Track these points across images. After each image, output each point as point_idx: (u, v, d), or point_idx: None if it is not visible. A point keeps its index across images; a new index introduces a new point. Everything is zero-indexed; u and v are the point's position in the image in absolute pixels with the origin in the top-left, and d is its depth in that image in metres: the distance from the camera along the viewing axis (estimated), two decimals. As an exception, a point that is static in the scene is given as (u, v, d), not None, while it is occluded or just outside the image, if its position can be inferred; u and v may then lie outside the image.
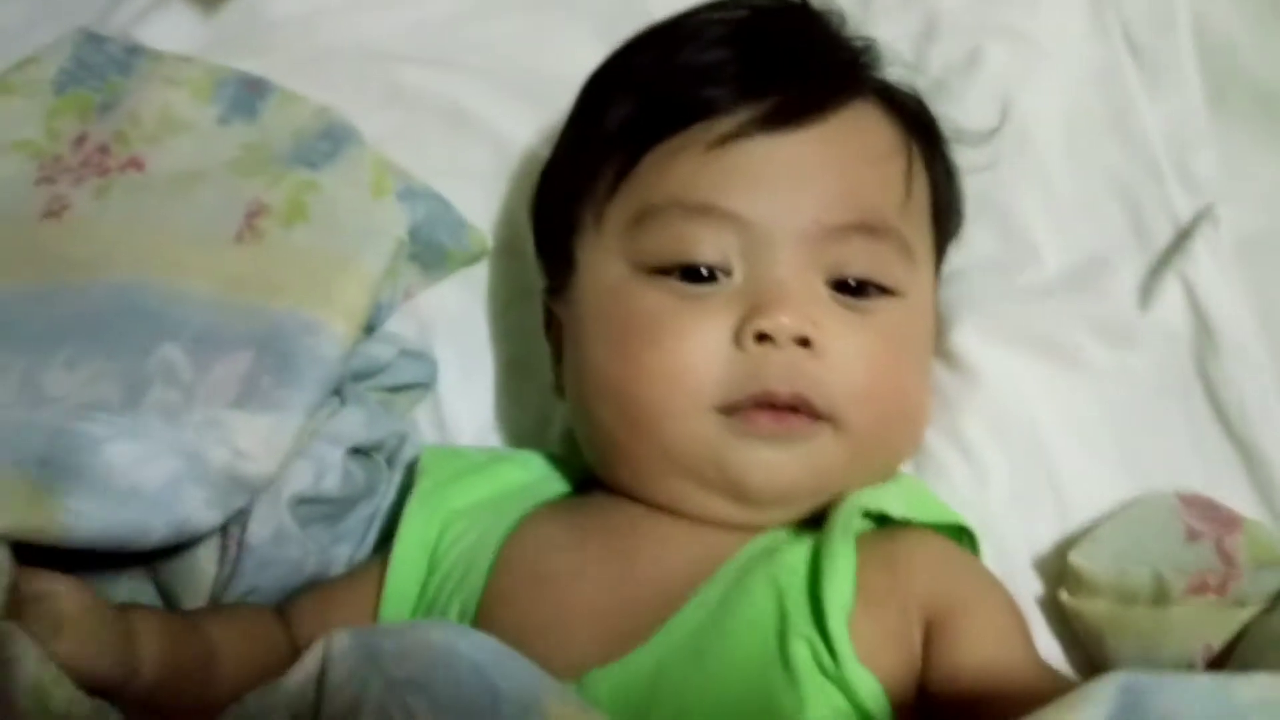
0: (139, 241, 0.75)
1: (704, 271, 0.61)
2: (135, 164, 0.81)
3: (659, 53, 0.68)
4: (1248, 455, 0.64)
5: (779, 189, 0.61)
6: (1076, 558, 0.61)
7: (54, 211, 0.79)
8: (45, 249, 0.76)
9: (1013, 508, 0.65)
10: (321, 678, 0.49)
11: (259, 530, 0.64)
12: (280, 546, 0.64)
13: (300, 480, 0.65)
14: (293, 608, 0.63)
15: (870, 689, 0.54)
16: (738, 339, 0.60)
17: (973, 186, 0.70)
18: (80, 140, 0.83)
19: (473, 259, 0.80)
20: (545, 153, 0.82)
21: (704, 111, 0.63)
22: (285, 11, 0.92)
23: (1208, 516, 0.61)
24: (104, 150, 0.82)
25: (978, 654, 0.55)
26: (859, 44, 0.68)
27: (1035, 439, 0.66)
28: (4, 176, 0.82)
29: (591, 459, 0.67)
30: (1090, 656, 0.61)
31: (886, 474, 0.64)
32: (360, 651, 0.50)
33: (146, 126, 0.82)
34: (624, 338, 0.62)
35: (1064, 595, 0.61)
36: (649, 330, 0.61)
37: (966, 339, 0.69)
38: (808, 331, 0.59)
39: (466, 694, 0.49)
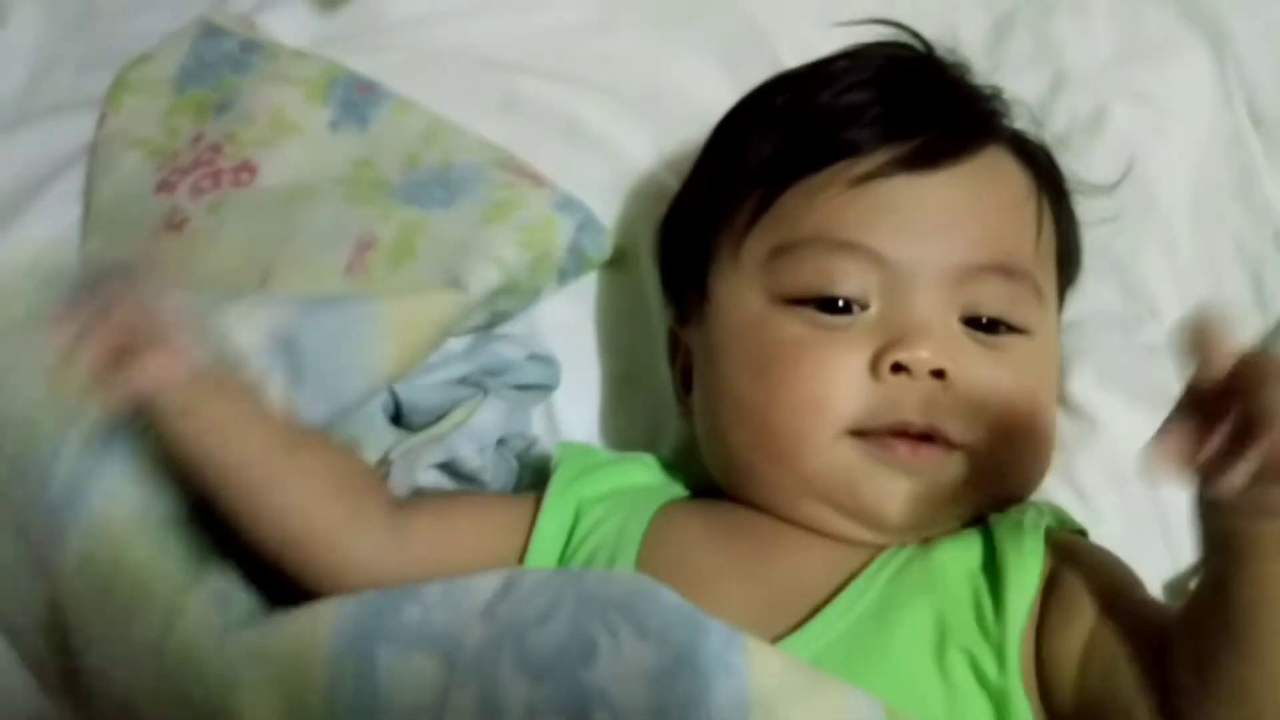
0: (255, 261, 0.78)
1: (841, 304, 0.64)
2: (248, 169, 0.84)
3: (799, 94, 0.72)
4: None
5: (921, 230, 0.65)
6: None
7: (174, 224, 0.82)
8: (170, 261, 0.80)
9: (1121, 549, 0.67)
10: (510, 583, 0.56)
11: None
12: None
13: (441, 454, 0.70)
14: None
15: (1018, 700, 0.57)
16: (874, 369, 0.63)
17: (1094, 240, 0.74)
18: (196, 139, 0.87)
19: (601, 264, 0.83)
20: (661, 171, 0.88)
21: (846, 151, 0.67)
22: (403, 13, 0.95)
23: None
24: (216, 150, 0.85)
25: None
26: (990, 92, 0.71)
27: (1150, 490, 0.68)
28: (126, 176, 0.87)
29: (723, 477, 0.70)
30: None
31: (1015, 504, 0.66)
32: (559, 575, 0.58)
33: (259, 128, 0.85)
34: (763, 366, 0.65)
35: None
36: (788, 359, 0.64)
37: (1085, 388, 0.72)
38: (944, 365, 0.62)
39: (670, 620, 0.55)
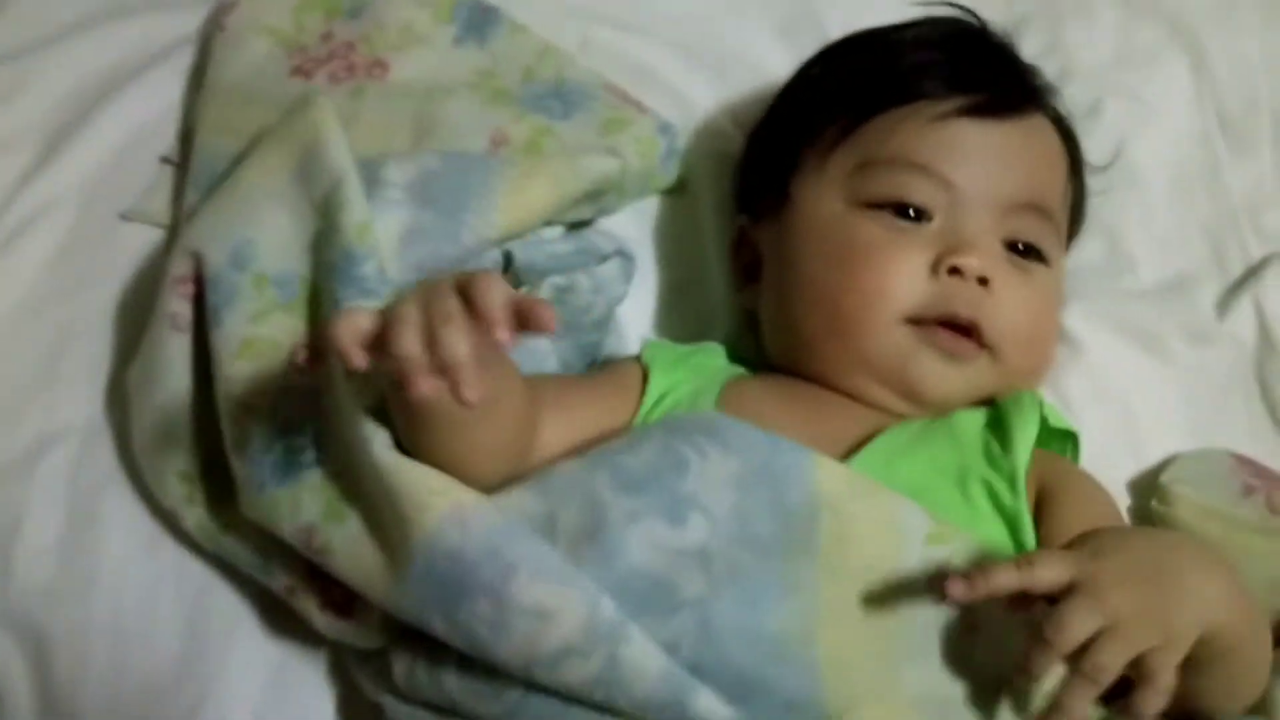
0: (396, 143, 0.89)
1: (912, 212, 0.78)
2: (380, 65, 0.94)
3: (879, 48, 0.86)
4: (1289, 444, 0.83)
5: (982, 165, 0.80)
6: (1178, 487, 0.78)
7: None
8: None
9: (1098, 454, 0.82)
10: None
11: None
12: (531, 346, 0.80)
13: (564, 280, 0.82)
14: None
15: (1028, 523, 0.71)
16: (934, 269, 0.77)
17: (1088, 207, 0.88)
18: (326, 36, 0.96)
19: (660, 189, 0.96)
20: (719, 117, 1.00)
21: (922, 95, 0.81)
22: None
23: (1258, 474, 0.80)
24: (350, 47, 0.95)
25: (1082, 518, 0.71)
26: (1040, 74, 0.87)
27: (1124, 406, 0.85)
28: (256, 57, 0.95)
29: (785, 353, 0.83)
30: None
31: None
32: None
33: (390, 35, 0.96)
34: (840, 256, 0.79)
35: (1155, 505, 0.79)
36: (863, 251, 0.78)
37: (1075, 321, 0.87)
38: (990, 274, 0.76)
39: (750, 439, 0.68)
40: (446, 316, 0.58)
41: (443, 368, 0.57)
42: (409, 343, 0.58)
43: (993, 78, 0.83)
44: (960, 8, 0.89)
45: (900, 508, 0.67)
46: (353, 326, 0.60)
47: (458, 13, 0.97)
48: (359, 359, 0.59)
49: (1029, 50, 0.91)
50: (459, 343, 0.57)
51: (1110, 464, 0.82)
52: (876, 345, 0.77)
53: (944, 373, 0.77)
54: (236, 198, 0.81)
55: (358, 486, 0.71)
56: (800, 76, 0.91)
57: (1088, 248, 0.89)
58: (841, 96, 0.84)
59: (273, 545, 0.77)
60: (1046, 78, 0.87)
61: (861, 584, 0.65)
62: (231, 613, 0.82)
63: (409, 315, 0.59)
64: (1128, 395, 0.85)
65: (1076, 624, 0.57)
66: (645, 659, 0.62)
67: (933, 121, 0.80)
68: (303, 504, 0.72)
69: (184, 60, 1.03)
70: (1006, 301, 0.77)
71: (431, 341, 0.58)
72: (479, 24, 0.97)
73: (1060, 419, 0.80)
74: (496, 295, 0.57)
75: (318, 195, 0.79)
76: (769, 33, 1.02)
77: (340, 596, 0.74)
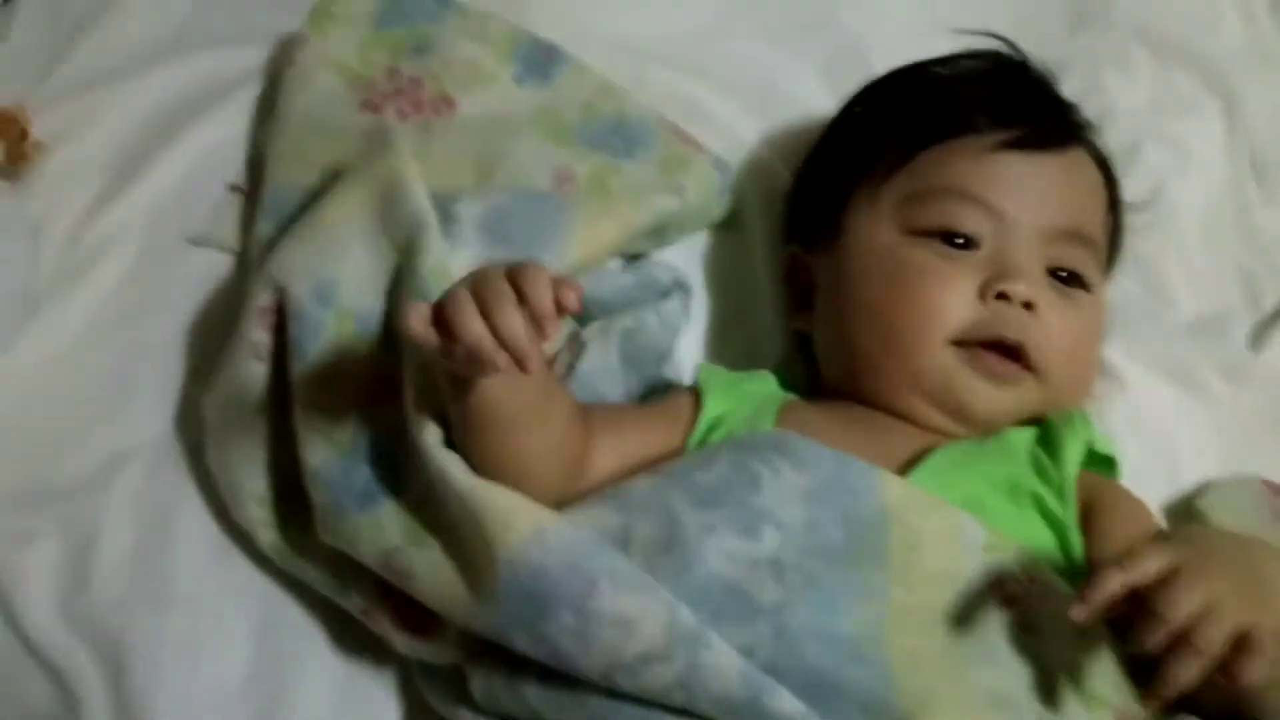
0: (464, 177, 0.92)
1: (961, 240, 0.82)
2: (447, 102, 0.98)
3: (926, 82, 0.90)
4: (1319, 471, 0.87)
5: (1028, 195, 0.83)
6: (1213, 512, 0.81)
7: (374, 138, 0.93)
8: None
9: (1135, 483, 0.85)
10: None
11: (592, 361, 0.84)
12: (601, 379, 0.83)
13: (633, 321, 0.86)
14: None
15: (1075, 532, 0.74)
16: (982, 294, 0.81)
17: (1128, 243, 0.92)
18: (392, 72, 1.00)
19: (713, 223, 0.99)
20: (766, 152, 1.03)
21: (970, 129, 0.85)
22: None
23: (1288, 500, 0.83)
24: (417, 84, 0.99)
25: (1127, 527, 0.75)
26: (1078, 110, 0.90)
27: (1163, 437, 0.88)
28: (325, 91, 0.99)
29: (841, 374, 0.87)
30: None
31: None
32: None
33: (456, 73, 1.00)
34: (895, 280, 0.83)
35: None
36: (916, 275, 0.82)
37: (1115, 355, 0.90)
38: (1035, 299, 0.80)
39: (819, 455, 0.72)
40: (500, 298, 0.63)
41: (504, 343, 0.62)
42: (472, 322, 0.63)
43: (1037, 112, 0.87)
44: (1000, 39, 0.93)
45: (960, 519, 0.71)
46: (421, 313, 0.65)
47: (518, 52, 1.01)
48: (433, 338, 0.64)
49: (1069, 93, 0.95)
50: (515, 318, 0.63)
51: (1146, 492, 0.85)
52: (928, 365, 0.80)
53: (991, 394, 0.80)
54: (320, 235, 0.84)
55: (438, 513, 0.74)
56: (848, 111, 0.95)
57: (1127, 284, 0.93)
58: (891, 130, 0.88)
59: (348, 568, 0.80)
60: (1084, 114, 0.91)
61: (928, 591, 0.69)
62: (301, 627, 0.85)
63: (464, 298, 0.64)
64: (1166, 427, 0.88)
65: (1185, 600, 0.59)
66: (724, 662, 0.65)
67: (981, 154, 0.84)
68: (385, 530, 0.75)
69: (249, 93, 1.07)
70: (1051, 325, 0.80)
71: (490, 322, 0.63)
72: (541, 63, 1.01)
73: (1104, 443, 0.83)
74: (545, 285, 0.63)
75: (399, 238, 0.83)
76: (813, 71, 1.06)
77: (416, 617, 0.77)
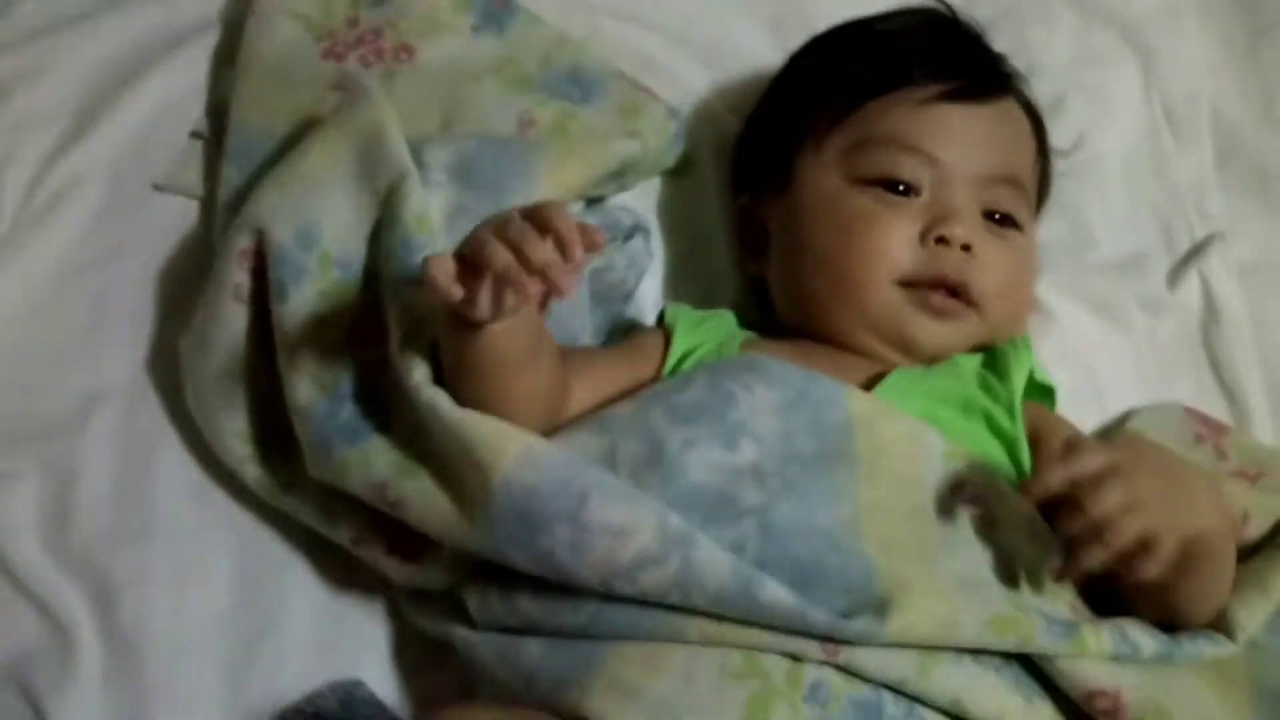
0: (430, 123, 0.96)
1: (902, 187, 0.88)
2: (407, 50, 1.01)
3: (866, 38, 0.95)
4: (1230, 397, 0.96)
5: (963, 144, 0.89)
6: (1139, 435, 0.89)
7: (345, 87, 0.97)
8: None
9: (1067, 409, 0.92)
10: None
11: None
12: (572, 316, 0.88)
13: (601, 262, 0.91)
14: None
15: (1024, 447, 0.81)
16: (923, 237, 0.86)
17: (1054, 189, 0.99)
18: (352, 21, 1.02)
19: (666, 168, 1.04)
20: (716, 103, 1.08)
21: (909, 81, 0.90)
22: None
23: (1206, 424, 0.91)
24: (377, 33, 1.02)
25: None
26: (1009, 63, 0.97)
27: (1088, 366, 0.95)
28: (287, 39, 1.01)
29: (795, 315, 0.92)
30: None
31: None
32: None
33: (414, 22, 1.02)
34: (841, 226, 0.88)
35: None
36: (861, 221, 0.87)
37: (1045, 292, 0.97)
38: (972, 240, 0.86)
39: (789, 374, 0.78)
40: (525, 232, 0.67)
41: (535, 269, 0.66)
42: (500, 253, 0.66)
43: (970, 64, 0.92)
44: (941, 2, 0.98)
45: (920, 428, 0.78)
46: (445, 265, 0.68)
47: (474, 3, 1.04)
48: (456, 291, 0.67)
49: (998, 48, 1.01)
50: (545, 246, 0.66)
51: (1077, 417, 0.92)
52: (875, 304, 0.86)
53: (936, 329, 0.86)
54: (301, 181, 0.87)
55: (426, 445, 0.77)
56: (793, 66, 0.99)
57: (1054, 227, 0.99)
58: (834, 84, 0.93)
59: (336, 501, 0.83)
60: (1013, 66, 0.97)
61: (895, 490, 0.75)
62: (284, 558, 0.89)
63: (489, 237, 0.67)
64: (1092, 358, 0.95)
65: (1107, 497, 0.67)
66: (715, 559, 0.69)
67: (919, 105, 0.89)
68: (374, 463, 0.78)
69: (207, 41, 1.08)
70: (988, 264, 0.86)
71: (519, 254, 0.66)
72: (497, 14, 1.04)
73: (1043, 374, 0.90)
74: (568, 218, 0.67)
75: (380, 186, 0.86)
76: (760, 27, 1.11)
77: (407, 543, 0.81)
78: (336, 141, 0.88)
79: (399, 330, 0.80)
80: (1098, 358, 0.96)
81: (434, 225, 0.85)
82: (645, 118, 0.98)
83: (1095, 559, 0.68)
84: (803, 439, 0.76)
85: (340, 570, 0.88)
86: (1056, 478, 0.68)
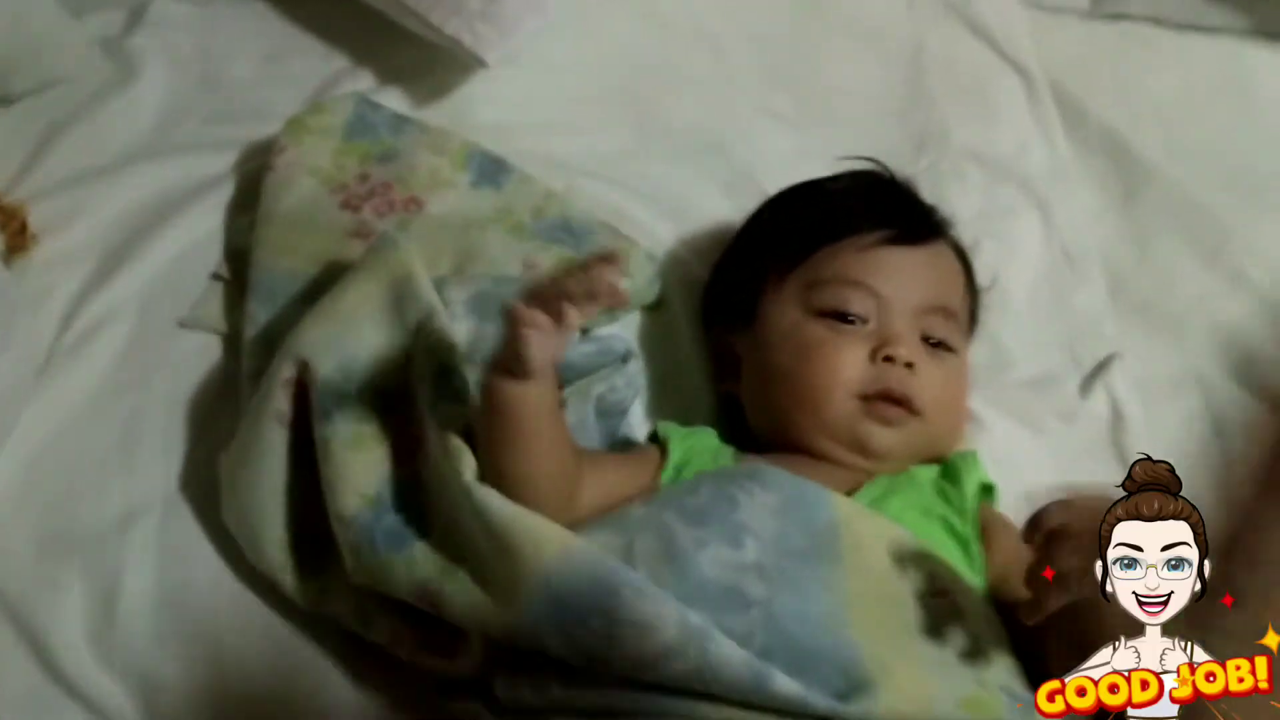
0: (443, 267, 1.08)
1: (851, 318, 1.01)
2: (416, 202, 1.13)
3: (816, 197, 1.09)
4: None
5: (902, 280, 1.02)
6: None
7: (363, 234, 1.09)
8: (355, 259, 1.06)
9: (1000, 503, 1.05)
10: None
11: (570, 418, 0.97)
12: (579, 432, 0.99)
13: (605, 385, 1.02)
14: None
15: (975, 546, 0.93)
16: (872, 357, 0.99)
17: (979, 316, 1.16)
18: (363, 176, 1.14)
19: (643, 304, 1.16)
20: (683, 251, 1.19)
21: (854, 231, 1.04)
22: (487, 120, 1.26)
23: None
24: (387, 187, 1.13)
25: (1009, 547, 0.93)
26: (939, 212, 1.12)
27: (1016, 467, 1.08)
28: (305, 192, 1.13)
29: (766, 428, 1.03)
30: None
31: (942, 456, 1.03)
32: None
33: (420, 178, 1.15)
34: (803, 352, 1.00)
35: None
36: (818, 348, 1.00)
37: (976, 404, 1.12)
38: (914, 359, 0.99)
39: (782, 481, 0.89)
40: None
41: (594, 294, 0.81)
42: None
43: (905, 215, 1.06)
44: (873, 161, 1.13)
45: (893, 528, 0.89)
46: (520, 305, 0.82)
47: (470, 162, 1.17)
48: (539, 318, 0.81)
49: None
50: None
51: (1008, 509, 1.05)
52: (833, 415, 0.98)
53: (885, 434, 0.98)
54: (340, 319, 0.97)
55: (463, 544, 0.86)
56: (755, 220, 1.12)
57: (980, 350, 1.13)
58: (791, 235, 1.06)
59: (370, 603, 0.92)
60: (942, 214, 1.11)
61: (875, 582, 0.85)
62: (316, 658, 0.96)
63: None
64: (1018, 460, 1.08)
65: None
66: (730, 653, 0.77)
67: (863, 250, 1.02)
68: (417, 565, 0.87)
69: (224, 192, 1.20)
70: (927, 380, 0.99)
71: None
72: (491, 172, 1.16)
73: (986, 475, 1.02)
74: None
75: (410, 321, 0.96)
76: (715, 187, 1.25)
77: (440, 638, 0.89)
78: (369, 283, 0.99)
79: (443, 442, 0.89)
80: (1023, 460, 1.10)
81: (461, 351, 0.95)
82: (630, 260, 1.10)
83: (1055, 602, 0.75)
84: (796, 537, 0.86)
85: (373, 668, 0.95)
86: (1055, 602, 0.75)
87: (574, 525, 0.88)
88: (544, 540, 0.82)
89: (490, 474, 0.87)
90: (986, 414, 1.11)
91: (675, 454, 0.99)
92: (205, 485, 1.02)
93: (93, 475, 1.04)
